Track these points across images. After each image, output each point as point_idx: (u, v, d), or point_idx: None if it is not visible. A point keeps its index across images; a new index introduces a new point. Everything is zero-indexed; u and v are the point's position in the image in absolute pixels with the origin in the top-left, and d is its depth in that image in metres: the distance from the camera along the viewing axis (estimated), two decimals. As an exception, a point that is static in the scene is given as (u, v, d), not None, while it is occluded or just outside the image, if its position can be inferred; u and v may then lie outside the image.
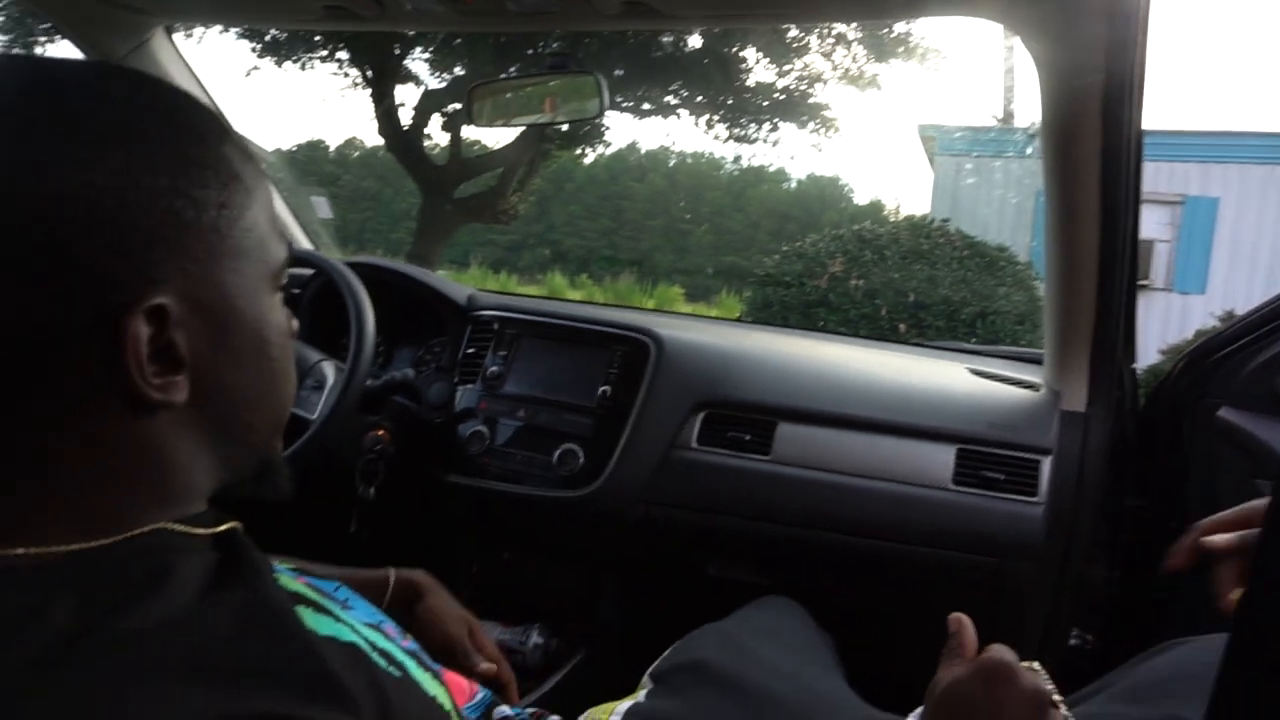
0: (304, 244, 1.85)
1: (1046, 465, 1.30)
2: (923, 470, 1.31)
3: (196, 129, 0.49)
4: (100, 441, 0.46)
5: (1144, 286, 8.66)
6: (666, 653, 1.06)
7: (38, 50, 10.39)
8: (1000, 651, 0.59)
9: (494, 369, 1.50)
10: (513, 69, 9.62)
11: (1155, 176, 9.66)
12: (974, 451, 1.32)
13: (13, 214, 0.42)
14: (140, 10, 1.34)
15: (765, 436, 1.37)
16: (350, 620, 0.53)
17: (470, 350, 1.56)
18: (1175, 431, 1.44)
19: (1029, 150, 10.05)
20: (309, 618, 0.49)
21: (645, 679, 1.02)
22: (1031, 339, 5.34)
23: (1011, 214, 10.32)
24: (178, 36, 1.53)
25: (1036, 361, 1.56)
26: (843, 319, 5.30)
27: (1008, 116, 11.25)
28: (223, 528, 0.52)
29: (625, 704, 0.95)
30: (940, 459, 1.32)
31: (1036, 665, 0.60)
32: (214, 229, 0.48)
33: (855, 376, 1.45)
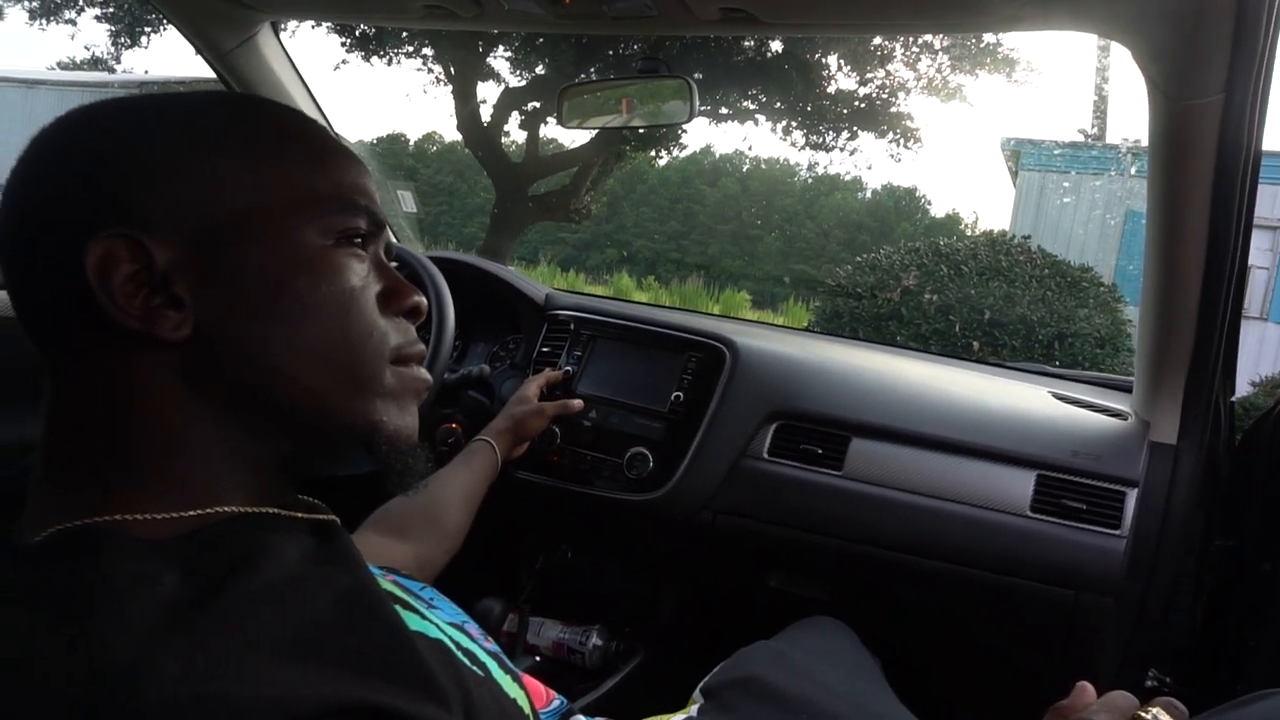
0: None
1: (1132, 498, 1.25)
2: (1000, 495, 1.28)
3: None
4: (126, 392, 0.49)
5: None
6: (717, 669, 1.05)
7: (142, 39, 10.87)
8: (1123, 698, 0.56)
9: (568, 368, 1.51)
10: (593, 69, 9.70)
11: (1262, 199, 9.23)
12: (1055, 479, 1.28)
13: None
14: (250, 6, 1.39)
15: (838, 451, 1.35)
16: (436, 619, 0.54)
17: (545, 349, 1.57)
18: (1272, 471, 1.38)
19: (1120, 168, 9.72)
20: (401, 613, 0.50)
21: (696, 694, 1.02)
22: (1113, 364, 5.16)
23: (1098, 233, 9.99)
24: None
25: (1124, 389, 1.50)
26: (914, 334, 5.20)
27: (1098, 132, 10.91)
28: (320, 516, 0.53)
29: (677, 718, 0.95)
30: (1019, 484, 1.28)
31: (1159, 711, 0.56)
32: (217, 179, 0.51)
33: (932, 394, 1.42)
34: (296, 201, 0.52)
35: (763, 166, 25.66)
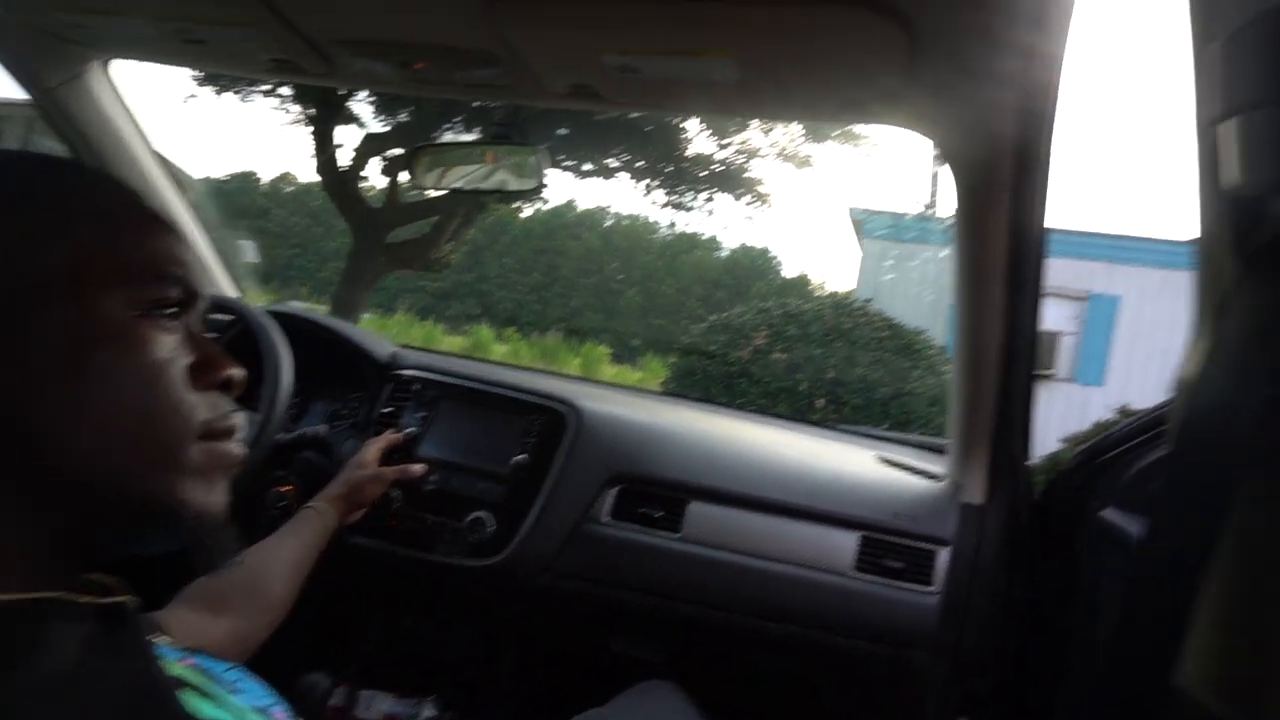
0: (226, 289, 1.82)
1: (943, 556, 1.35)
2: (826, 556, 1.35)
3: None
4: None
5: (1048, 377, 9.05)
6: None
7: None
8: None
9: (411, 430, 1.49)
10: (458, 120, 9.68)
11: (1065, 272, 10.22)
12: (877, 539, 1.36)
13: None
14: (79, 42, 1.33)
15: (676, 514, 1.39)
16: (237, 704, 0.52)
17: (388, 409, 1.54)
18: (1065, 528, 1.51)
19: (946, 240, 10.52)
20: (192, 702, 0.48)
21: None
22: (942, 421, 5.51)
23: (931, 300, 10.75)
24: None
25: (944, 451, 1.62)
26: (763, 391, 5.41)
27: (933, 206, 11.79)
28: (110, 600, 0.50)
29: None
30: (844, 545, 1.35)
31: None
32: (14, 242, 0.48)
33: (767, 457, 1.48)
34: (101, 269, 0.50)
35: (625, 222, 26.20)
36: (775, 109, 1.09)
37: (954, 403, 1.42)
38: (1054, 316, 8.19)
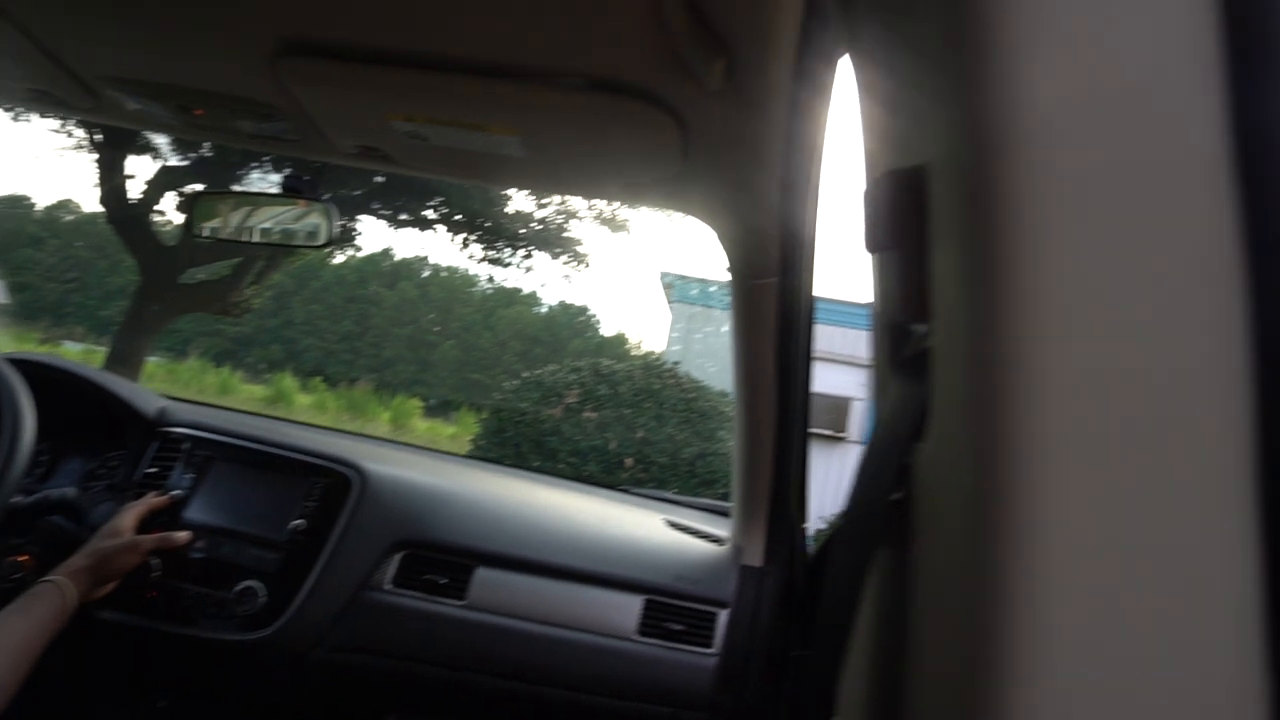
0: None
1: (723, 618, 1.40)
2: (611, 620, 1.36)
3: None
4: None
5: (841, 439, 9.72)
6: None
7: None
8: None
9: (177, 492, 1.38)
10: (267, 158, 9.24)
11: (856, 341, 11.03)
12: (660, 603, 1.39)
13: None
14: None
15: (462, 580, 1.36)
16: None
17: (152, 469, 1.43)
18: (836, 584, 1.61)
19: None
20: None
21: None
22: (744, 481, 5.74)
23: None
24: None
25: (729, 515, 1.69)
26: (574, 449, 5.43)
27: (738, 274, 12.43)
28: None
29: None
30: (628, 609, 1.37)
31: None
32: None
33: (558, 522, 1.49)
34: None
35: (443, 274, 25.79)
36: (562, 186, 1.13)
37: (735, 467, 1.49)
38: (845, 382, 8.80)
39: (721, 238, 1.16)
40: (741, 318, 1.26)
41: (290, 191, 1.34)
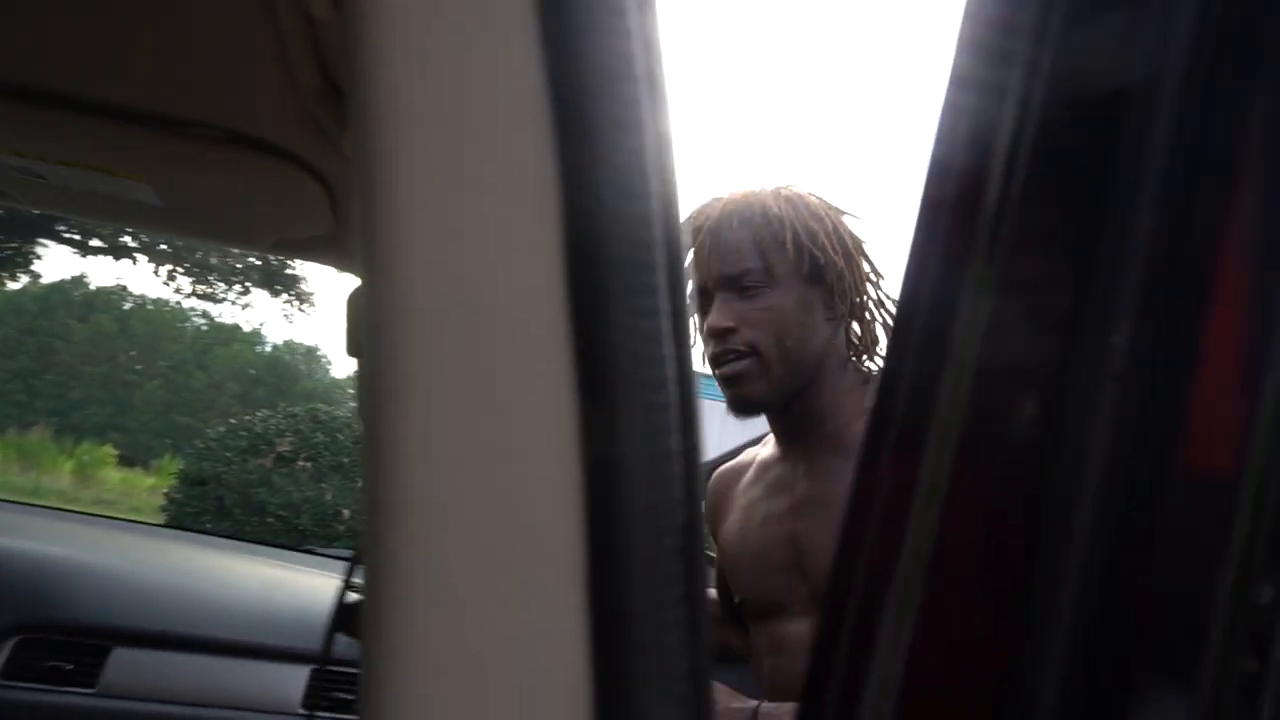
0: None
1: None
2: (272, 695, 1.28)
3: None
4: None
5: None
6: None
7: None
8: None
9: None
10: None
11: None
12: (328, 671, 1.33)
13: None
14: None
15: (94, 665, 1.22)
16: None
17: None
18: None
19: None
20: None
21: None
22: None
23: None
24: None
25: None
26: (285, 502, 5.07)
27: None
28: None
29: None
30: (292, 682, 1.30)
31: None
32: None
33: (216, 591, 1.38)
34: None
35: (149, 307, 23.22)
36: (207, 238, 1.07)
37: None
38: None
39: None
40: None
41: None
